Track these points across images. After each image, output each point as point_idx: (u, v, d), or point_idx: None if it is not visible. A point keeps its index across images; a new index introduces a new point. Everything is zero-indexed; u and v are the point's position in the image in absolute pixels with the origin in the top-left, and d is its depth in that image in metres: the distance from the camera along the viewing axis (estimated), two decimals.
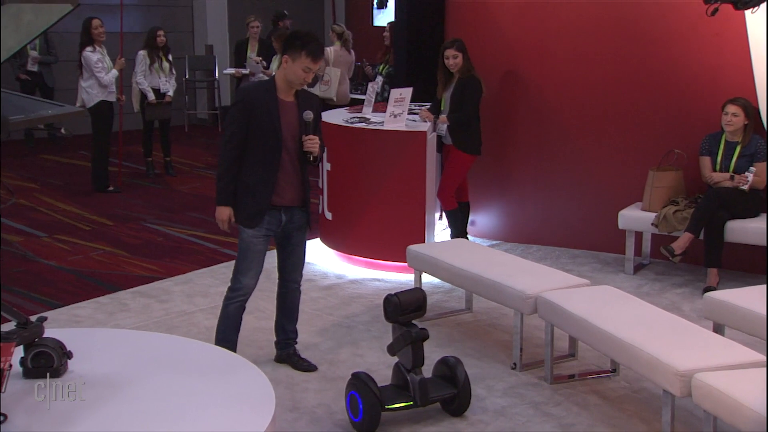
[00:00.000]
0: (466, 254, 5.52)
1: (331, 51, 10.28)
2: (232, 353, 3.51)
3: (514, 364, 4.89)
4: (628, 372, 4.72)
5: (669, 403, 3.87)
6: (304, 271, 4.74)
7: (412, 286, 5.35)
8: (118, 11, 9.65)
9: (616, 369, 4.81)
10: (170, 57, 10.00)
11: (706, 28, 6.47)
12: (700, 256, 6.21)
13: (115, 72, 9.08)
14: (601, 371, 4.85)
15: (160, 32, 9.85)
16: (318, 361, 4.94)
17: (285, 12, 11.40)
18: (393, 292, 4.26)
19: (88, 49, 8.90)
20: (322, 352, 5.10)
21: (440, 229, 7.21)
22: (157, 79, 9.81)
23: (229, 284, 4.66)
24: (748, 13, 6.17)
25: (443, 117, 6.74)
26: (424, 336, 4.22)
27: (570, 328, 4.58)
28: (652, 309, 4.56)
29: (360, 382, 4.14)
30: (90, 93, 8.95)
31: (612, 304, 4.58)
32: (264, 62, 10.26)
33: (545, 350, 4.75)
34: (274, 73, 9.93)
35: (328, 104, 9.54)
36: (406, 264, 5.82)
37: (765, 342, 4.49)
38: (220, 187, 4.52)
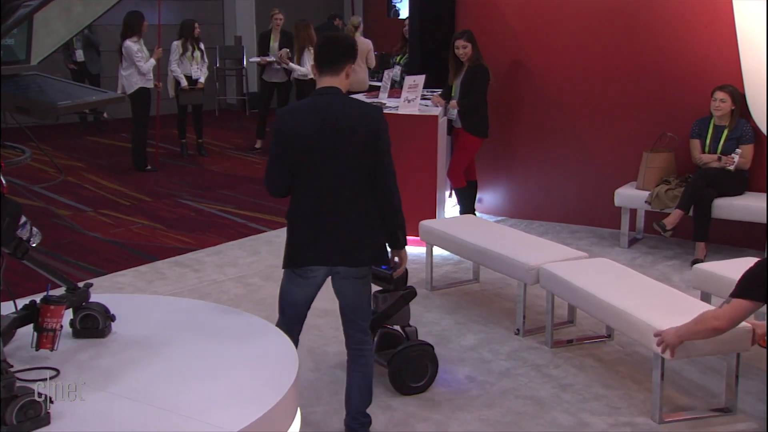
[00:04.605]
0: (474, 229, 5.52)
1: None
2: (259, 318, 3.48)
3: (518, 329, 4.90)
4: (621, 337, 4.72)
5: (659, 365, 3.86)
6: None
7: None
8: (156, 4, 9.64)
9: (610, 334, 4.81)
10: (202, 46, 9.98)
11: (697, 20, 6.41)
12: (689, 231, 6.19)
13: (152, 61, 9.08)
14: (597, 336, 4.86)
15: (197, 24, 9.85)
16: (336, 327, 4.95)
17: (340, 13, 11.52)
18: (386, 267, 4.29)
19: (131, 39, 8.90)
20: (338, 319, 5.09)
21: (450, 205, 7.20)
22: (189, 67, 9.82)
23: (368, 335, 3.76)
24: (736, 5, 6.11)
25: (453, 102, 6.72)
26: (415, 293, 4.33)
27: (569, 297, 4.59)
28: (645, 279, 4.56)
29: (425, 350, 4.16)
30: (130, 80, 8.96)
31: (608, 275, 4.58)
32: (289, 52, 10.16)
33: (546, 317, 4.76)
34: (299, 66, 9.95)
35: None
36: (418, 238, 5.82)
37: None
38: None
